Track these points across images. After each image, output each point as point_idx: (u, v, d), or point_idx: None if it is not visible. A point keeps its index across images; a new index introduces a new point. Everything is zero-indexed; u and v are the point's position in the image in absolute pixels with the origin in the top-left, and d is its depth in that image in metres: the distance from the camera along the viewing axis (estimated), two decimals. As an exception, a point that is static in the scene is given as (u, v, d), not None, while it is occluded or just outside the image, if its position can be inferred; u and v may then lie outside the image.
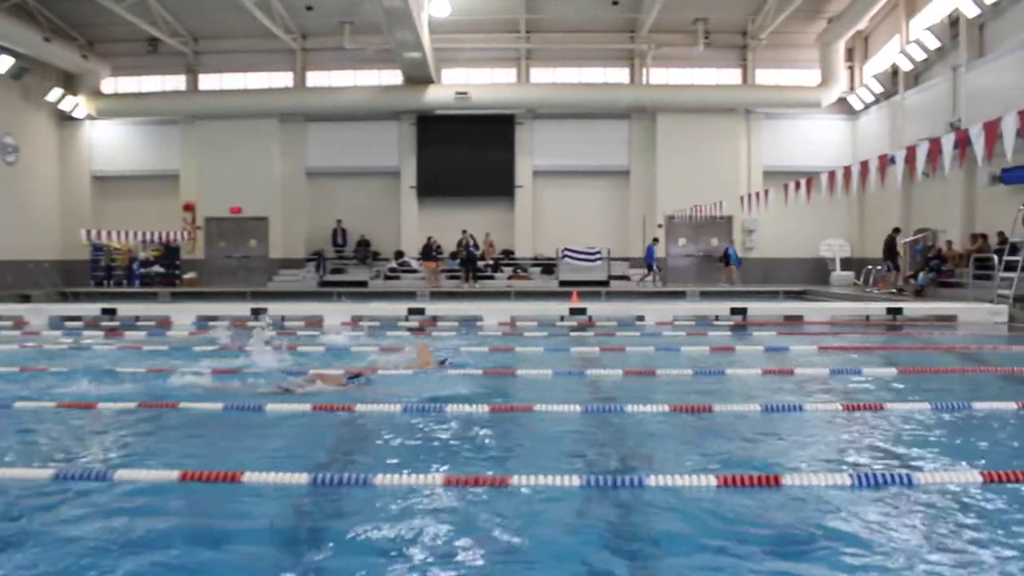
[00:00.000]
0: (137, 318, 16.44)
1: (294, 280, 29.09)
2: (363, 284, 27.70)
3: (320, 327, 14.84)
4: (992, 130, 11.47)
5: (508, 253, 30.26)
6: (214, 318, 15.74)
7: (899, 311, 16.45)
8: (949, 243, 22.60)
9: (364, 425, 6.78)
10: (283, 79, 30.88)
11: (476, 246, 28.26)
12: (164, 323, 15.57)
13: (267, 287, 27.92)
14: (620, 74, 30.74)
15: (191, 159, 30.52)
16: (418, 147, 30.39)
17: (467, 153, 30.07)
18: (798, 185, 17.49)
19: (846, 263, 28.43)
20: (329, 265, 29.46)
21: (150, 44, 29.96)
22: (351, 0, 27.24)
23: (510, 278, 28.41)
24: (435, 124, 30.24)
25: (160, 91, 30.98)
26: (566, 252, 28.20)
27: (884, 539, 4.07)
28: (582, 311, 16.44)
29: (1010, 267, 17.26)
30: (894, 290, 23.01)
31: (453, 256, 28.75)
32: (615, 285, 27.31)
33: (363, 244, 30.35)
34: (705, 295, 24.60)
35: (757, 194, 20.55)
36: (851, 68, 29.79)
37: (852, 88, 29.46)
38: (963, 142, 12.12)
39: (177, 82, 31.02)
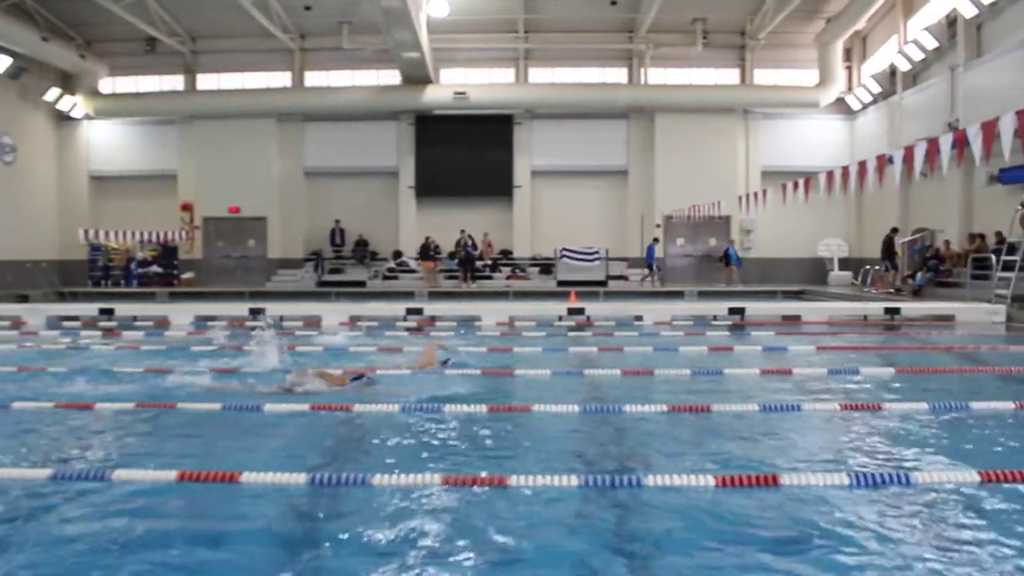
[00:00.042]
0: (135, 318, 16.42)
1: (292, 280, 29.09)
2: (361, 284, 27.70)
3: (318, 327, 14.84)
4: (990, 130, 11.47)
5: (506, 253, 30.26)
6: (212, 318, 15.76)
7: (897, 311, 16.47)
8: (947, 243, 22.62)
9: (363, 425, 6.77)
10: (281, 79, 30.88)
11: (474, 246, 28.25)
12: (162, 323, 15.57)
13: (265, 287, 27.91)
14: (618, 74, 30.75)
15: (189, 159, 30.51)
16: (416, 147, 30.39)
17: (465, 153, 30.06)
18: (796, 185, 17.49)
19: (844, 263, 28.48)
20: (327, 265, 29.45)
21: (148, 44, 29.93)
22: (349, 0, 27.23)
23: (508, 278, 28.42)
24: (433, 124, 30.24)
25: (158, 91, 30.96)
26: (564, 252, 28.22)
27: (882, 539, 4.07)
28: (580, 311, 16.44)
29: (1008, 267, 17.29)
30: (892, 290, 23.03)
31: (451, 256, 28.75)
32: (613, 285, 27.34)
33: (361, 244, 30.34)
34: (703, 295, 24.61)
35: (755, 194, 20.56)
36: (849, 68, 29.80)
37: (850, 88, 29.48)
38: (961, 142, 12.12)
39: (175, 82, 31.00)
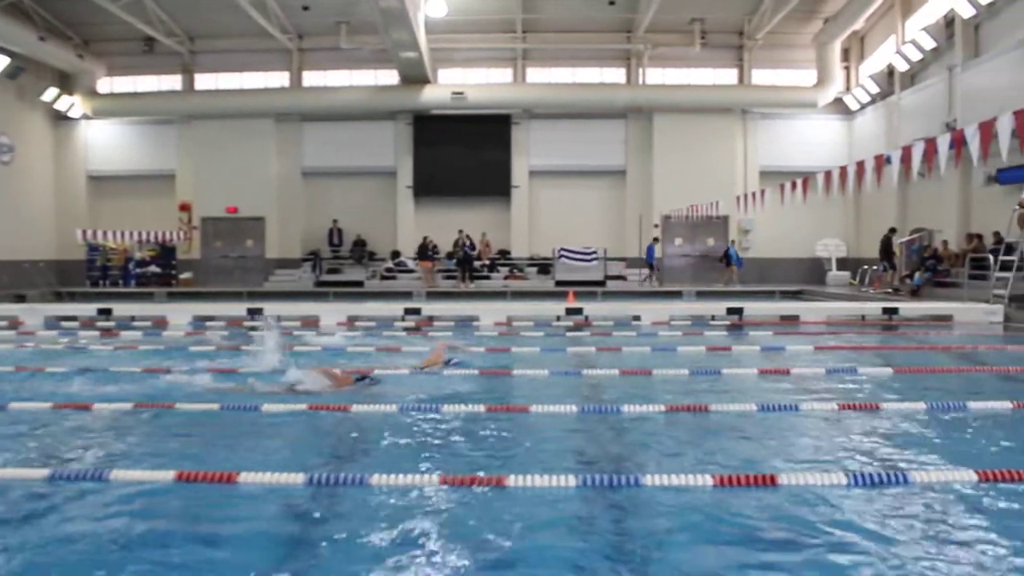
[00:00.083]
0: (133, 318, 16.41)
1: (290, 280, 29.07)
2: (359, 284, 27.70)
3: (316, 327, 14.83)
4: (987, 130, 11.47)
5: (504, 253, 30.26)
6: (210, 318, 15.75)
7: (895, 311, 16.48)
8: (945, 243, 22.63)
9: (360, 425, 6.76)
10: (279, 79, 30.86)
11: (472, 246, 28.24)
12: (160, 323, 15.56)
13: (263, 287, 27.89)
14: (616, 74, 30.75)
15: (187, 159, 30.49)
16: (414, 147, 30.38)
17: (463, 153, 30.06)
18: (794, 185, 17.49)
19: (842, 263, 28.50)
20: (325, 265, 29.43)
21: (146, 44, 29.89)
22: (347, 0, 27.22)
23: (506, 278, 28.42)
24: (431, 124, 30.24)
25: (156, 91, 30.94)
26: (562, 252, 28.22)
27: (879, 538, 4.07)
28: (578, 311, 16.44)
29: (1006, 267, 17.29)
30: (890, 290, 23.04)
31: (449, 256, 28.74)
32: (611, 285, 27.34)
33: (359, 244, 30.32)
34: (701, 295, 24.61)
35: (753, 194, 20.56)
36: (847, 68, 29.82)
37: (848, 88, 29.49)
38: (959, 142, 12.12)
39: (173, 82, 30.98)
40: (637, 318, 15.77)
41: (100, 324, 15.53)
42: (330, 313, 15.76)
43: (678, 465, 5.35)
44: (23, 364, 10.17)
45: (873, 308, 17.05)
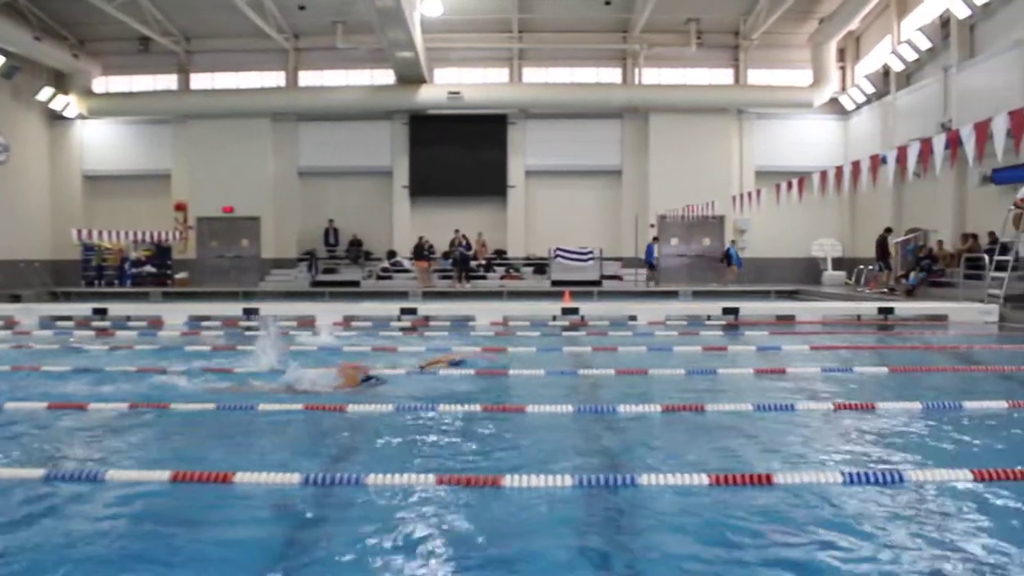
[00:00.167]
0: (128, 318, 16.37)
1: (286, 280, 29.03)
2: (355, 284, 27.69)
3: (312, 327, 14.81)
4: (983, 130, 11.50)
5: (500, 253, 30.26)
6: (206, 318, 15.73)
7: (890, 311, 16.50)
8: (940, 243, 22.68)
9: (357, 425, 6.76)
10: (275, 79, 30.84)
11: (468, 246, 28.24)
12: (156, 323, 15.52)
13: (259, 287, 27.85)
14: (612, 74, 30.78)
15: (183, 159, 30.46)
16: (410, 147, 30.37)
17: (459, 153, 30.05)
18: (790, 185, 17.51)
19: (838, 263, 28.54)
20: (321, 265, 29.41)
21: (141, 43, 29.85)
22: (343, 0, 27.20)
23: (502, 278, 28.42)
24: (427, 124, 30.24)
25: (151, 90, 30.91)
26: (558, 252, 28.21)
27: (875, 537, 4.08)
28: (574, 311, 16.44)
29: (1000, 267, 17.33)
30: (885, 290, 23.07)
31: (445, 256, 28.74)
32: (607, 285, 27.34)
33: (355, 244, 30.31)
34: (697, 295, 24.63)
35: (749, 194, 20.58)
36: (843, 68, 29.88)
37: (844, 88, 29.55)
38: (954, 142, 12.15)
39: (169, 81, 30.95)
40: (633, 318, 15.78)
41: (95, 324, 15.50)
42: (325, 313, 15.73)
43: (674, 465, 5.35)
44: (18, 364, 10.14)
45: (869, 308, 17.06)
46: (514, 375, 9.21)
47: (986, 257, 18.56)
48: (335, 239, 30.45)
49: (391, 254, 29.51)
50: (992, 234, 19.65)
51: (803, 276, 28.91)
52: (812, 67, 29.13)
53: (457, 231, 28.20)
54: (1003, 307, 16.03)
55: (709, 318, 16.36)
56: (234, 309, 16.68)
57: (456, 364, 9.57)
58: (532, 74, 30.78)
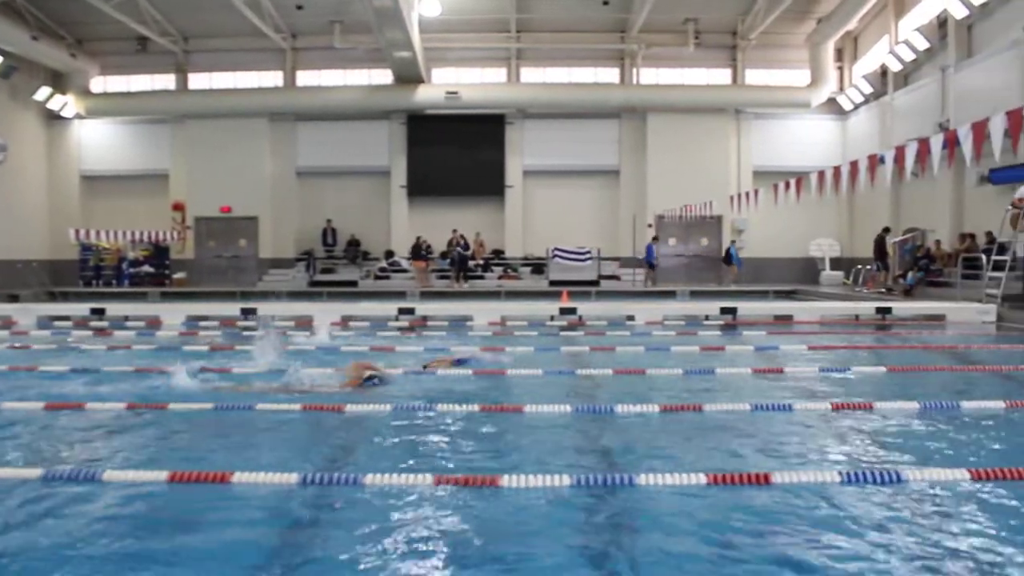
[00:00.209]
0: (126, 318, 16.37)
1: (284, 280, 28.98)
2: (353, 284, 27.69)
3: (310, 327, 14.80)
4: (980, 130, 11.51)
5: (498, 253, 30.26)
6: (204, 318, 15.71)
7: (888, 311, 16.51)
8: (938, 243, 22.69)
9: (355, 425, 6.76)
10: (273, 78, 30.81)
11: (466, 246, 28.22)
12: (153, 323, 15.52)
13: (257, 287, 27.82)
14: (610, 74, 30.78)
15: (181, 158, 30.42)
16: (408, 147, 30.35)
17: (457, 153, 30.04)
18: (788, 185, 17.52)
19: (836, 263, 28.54)
20: (319, 265, 29.41)
21: (139, 43, 29.83)
22: (341, 0, 27.20)
23: (500, 278, 28.42)
24: (425, 124, 30.23)
25: (149, 90, 30.87)
26: (556, 252, 28.21)
27: (872, 536, 4.09)
28: (572, 311, 16.45)
29: (998, 267, 17.33)
30: (883, 290, 23.09)
31: (443, 256, 28.74)
32: (605, 285, 27.34)
33: (353, 244, 30.31)
34: (695, 295, 24.64)
35: (747, 194, 20.58)
36: (840, 68, 29.90)
37: (841, 88, 29.57)
38: (952, 142, 12.16)
39: (166, 81, 30.92)
40: (631, 318, 15.78)
41: (93, 324, 15.49)
42: (323, 313, 15.72)
43: (672, 464, 5.35)
44: (16, 364, 10.13)
45: (866, 308, 17.08)
46: (512, 375, 9.21)
47: (984, 257, 18.57)
48: (333, 239, 30.44)
49: (389, 254, 29.51)
50: (990, 234, 19.66)
51: (801, 276, 28.91)
52: (810, 67, 29.13)
53: (455, 231, 28.20)
54: (1001, 307, 16.05)
55: (707, 318, 16.36)
56: (232, 309, 16.67)
57: (461, 362, 9.56)
58: (530, 74, 30.77)
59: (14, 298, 22.47)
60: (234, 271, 30.28)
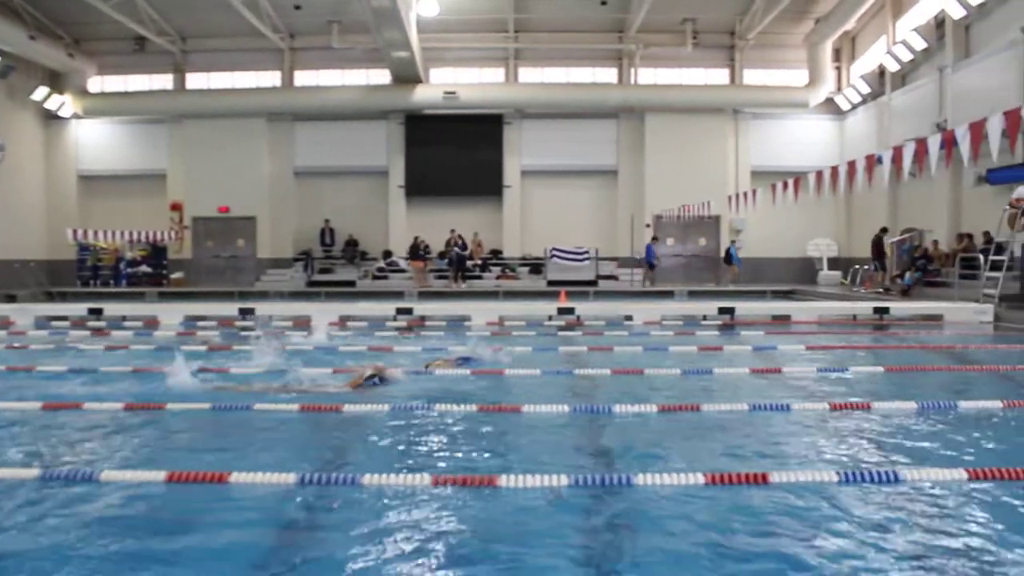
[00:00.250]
0: (124, 318, 16.35)
1: (282, 280, 28.97)
2: (351, 284, 27.68)
3: (308, 327, 14.79)
4: (978, 131, 11.52)
5: (496, 253, 30.25)
6: (202, 318, 15.70)
7: (886, 311, 16.52)
8: (935, 243, 22.71)
9: (354, 425, 6.76)
10: (271, 78, 30.80)
11: (464, 246, 28.22)
12: (151, 323, 15.50)
13: (255, 287, 27.81)
14: (608, 74, 30.79)
15: (178, 158, 30.39)
16: (406, 147, 30.34)
17: (455, 153, 30.05)
18: (786, 185, 17.54)
19: (833, 263, 28.56)
20: (317, 265, 29.40)
21: (137, 43, 29.82)
22: (339, 0, 27.25)
23: (498, 278, 28.42)
24: (423, 124, 30.22)
25: (147, 90, 30.85)
26: (554, 252, 28.21)
27: (870, 536, 4.09)
28: (570, 311, 16.44)
29: (996, 267, 17.34)
30: (881, 290, 23.11)
31: (441, 256, 28.73)
32: (603, 285, 27.33)
33: (351, 244, 30.29)
34: (693, 295, 24.65)
35: (745, 194, 20.59)
36: (838, 68, 29.92)
37: (839, 88, 29.59)
38: (949, 142, 12.17)
39: (164, 81, 30.89)
40: (629, 318, 15.78)
41: (91, 324, 15.47)
42: (321, 313, 15.70)
43: (670, 464, 5.36)
44: (13, 364, 10.12)
45: (864, 308, 17.09)
46: (510, 375, 9.20)
47: (981, 257, 18.57)
48: (331, 239, 30.43)
49: (387, 254, 29.50)
50: (987, 234, 19.67)
51: (799, 276, 28.92)
52: (808, 67, 29.15)
53: (453, 231, 28.19)
54: (998, 307, 16.05)
55: (705, 318, 16.37)
56: (230, 309, 16.65)
57: (466, 361, 9.56)
58: (528, 74, 30.78)
59: (11, 298, 22.46)
60: (232, 271, 30.28)
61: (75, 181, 31.02)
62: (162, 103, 30.56)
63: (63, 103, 29.17)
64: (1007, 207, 17.98)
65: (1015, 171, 18.41)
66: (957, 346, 12.22)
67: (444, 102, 28.96)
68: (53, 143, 30.64)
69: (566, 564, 3.85)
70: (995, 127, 11.15)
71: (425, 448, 5.97)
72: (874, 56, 27.46)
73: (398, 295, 23.86)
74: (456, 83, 29.64)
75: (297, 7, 28.40)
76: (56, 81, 29.28)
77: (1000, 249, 17.64)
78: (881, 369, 9.62)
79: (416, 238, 28.15)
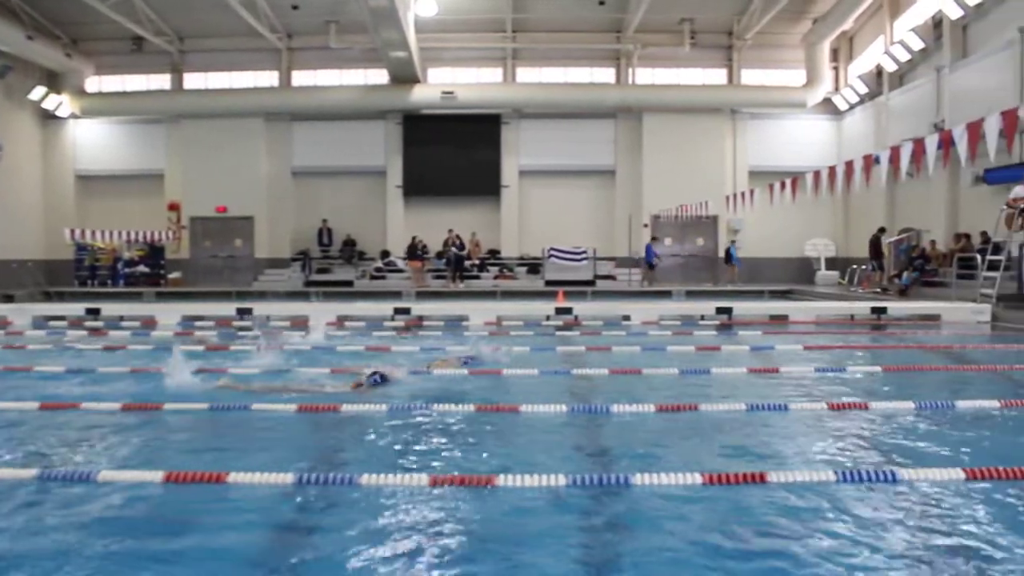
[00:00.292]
0: (121, 318, 16.34)
1: (280, 280, 28.95)
2: (349, 284, 27.65)
3: (306, 327, 14.78)
4: (975, 131, 11.55)
5: (494, 253, 30.25)
6: (199, 318, 15.70)
7: (883, 310, 16.53)
8: (933, 243, 22.73)
9: (352, 425, 6.76)
10: (269, 78, 30.79)
11: (462, 246, 28.21)
12: (149, 323, 15.49)
13: (252, 287, 27.80)
14: (606, 74, 30.80)
15: (176, 158, 30.37)
16: (404, 146, 30.34)
17: (453, 152, 30.04)
18: (783, 185, 17.56)
19: (831, 263, 28.60)
20: (315, 265, 29.38)
21: (134, 43, 29.79)
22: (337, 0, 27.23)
23: (496, 278, 28.41)
24: (421, 123, 30.21)
25: (145, 90, 30.83)
26: (552, 252, 28.20)
27: (868, 535, 4.10)
28: (568, 310, 16.45)
29: (993, 266, 17.35)
30: (878, 289, 23.12)
31: (439, 256, 28.73)
32: (601, 285, 27.33)
33: (349, 244, 30.28)
34: (691, 294, 24.67)
35: (743, 194, 20.62)
36: (836, 68, 29.94)
37: (837, 88, 29.60)
38: (947, 142, 12.20)
39: (162, 81, 30.87)
40: (627, 318, 15.79)
41: (88, 324, 15.46)
42: (319, 313, 15.69)
43: (668, 464, 5.36)
44: (11, 364, 10.11)
45: (862, 308, 17.11)
46: (508, 375, 9.20)
47: (979, 257, 18.59)
48: (329, 239, 30.41)
49: (385, 254, 29.49)
50: (985, 234, 19.67)
51: (796, 276, 28.96)
52: (805, 67, 29.18)
53: (451, 231, 28.16)
54: (995, 307, 16.07)
55: (703, 318, 16.37)
56: (227, 309, 16.65)
57: (470, 360, 9.56)
58: (526, 74, 30.78)
59: (9, 298, 22.45)
60: (230, 271, 30.27)
61: (73, 181, 30.99)
62: (159, 103, 30.54)
63: (61, 103, 29.15)
64: (1004, 207, 17.98)
65: (1012, 171, 18.42)
66: (955, 346, 12.23)
67: (442, 102, 28.96)
68: (51, 143, 30.61)
69: (565, 564, 3.85)
70: (992, 127, 11.18)
71: (423, 448, 5.97)
72: (872, 56, 27.47)
73: (396, 295, 23.87)
74: (454, 83, 29.65)
75: (295, 7, 28.39)
76: (54, 81, 29.26)
77: (997, 249, 17.65)
78: (879, 369, 9.63)
79: (414, 238, 28.15)
